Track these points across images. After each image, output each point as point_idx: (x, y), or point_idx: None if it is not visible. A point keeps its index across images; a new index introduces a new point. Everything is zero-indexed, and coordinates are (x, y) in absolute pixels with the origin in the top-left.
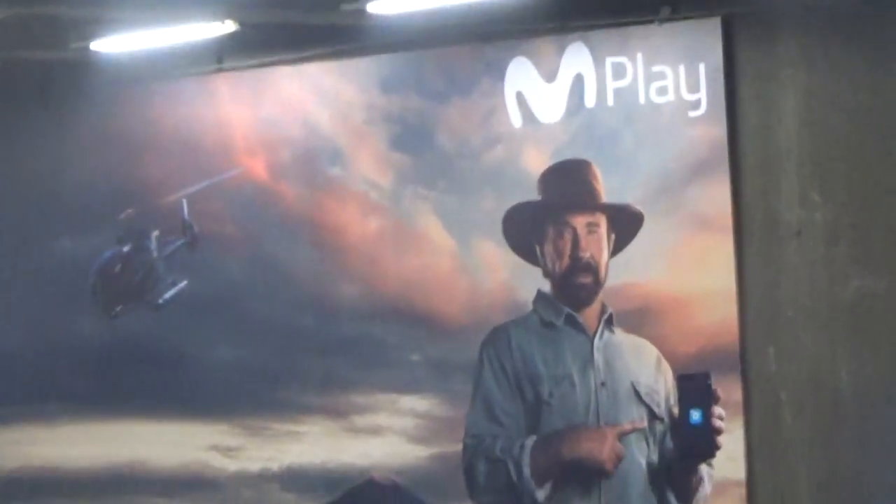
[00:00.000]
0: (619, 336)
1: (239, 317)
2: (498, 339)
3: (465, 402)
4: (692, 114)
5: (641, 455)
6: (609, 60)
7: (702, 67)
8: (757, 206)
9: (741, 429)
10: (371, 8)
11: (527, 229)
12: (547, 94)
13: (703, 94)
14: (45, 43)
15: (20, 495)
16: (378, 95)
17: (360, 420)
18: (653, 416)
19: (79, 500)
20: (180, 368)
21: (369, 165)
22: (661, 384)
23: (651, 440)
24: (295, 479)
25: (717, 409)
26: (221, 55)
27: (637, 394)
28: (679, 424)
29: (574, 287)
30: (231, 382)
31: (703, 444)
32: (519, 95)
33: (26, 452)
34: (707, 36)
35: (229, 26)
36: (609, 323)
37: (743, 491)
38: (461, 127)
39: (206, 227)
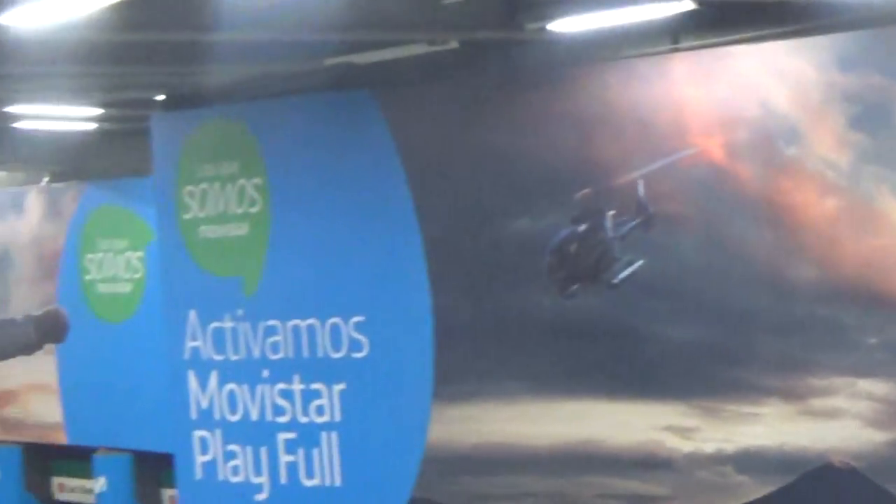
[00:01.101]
0: None
1: (694, 296)
2: None
3: None
4: None
5: None
6: None
7: None
8: None
9: None
10: None
11: None
12: None
13: None
14: (503, 24)
15: (474, 472)
16: (837, 74)
17: (817, 403)
18: None
19: (533, 477)
20: (636, 348)
21: (827, 145)
22: None
23: None
24: (750, 461)
25: None
26: (677, 34)
27: None
28: None
29: None
30: (687, 362)
31: None
32: None
33: (482, 429)
34: None
35: (686, 5)
36: None
37: None
38: None
39: (661, 207)
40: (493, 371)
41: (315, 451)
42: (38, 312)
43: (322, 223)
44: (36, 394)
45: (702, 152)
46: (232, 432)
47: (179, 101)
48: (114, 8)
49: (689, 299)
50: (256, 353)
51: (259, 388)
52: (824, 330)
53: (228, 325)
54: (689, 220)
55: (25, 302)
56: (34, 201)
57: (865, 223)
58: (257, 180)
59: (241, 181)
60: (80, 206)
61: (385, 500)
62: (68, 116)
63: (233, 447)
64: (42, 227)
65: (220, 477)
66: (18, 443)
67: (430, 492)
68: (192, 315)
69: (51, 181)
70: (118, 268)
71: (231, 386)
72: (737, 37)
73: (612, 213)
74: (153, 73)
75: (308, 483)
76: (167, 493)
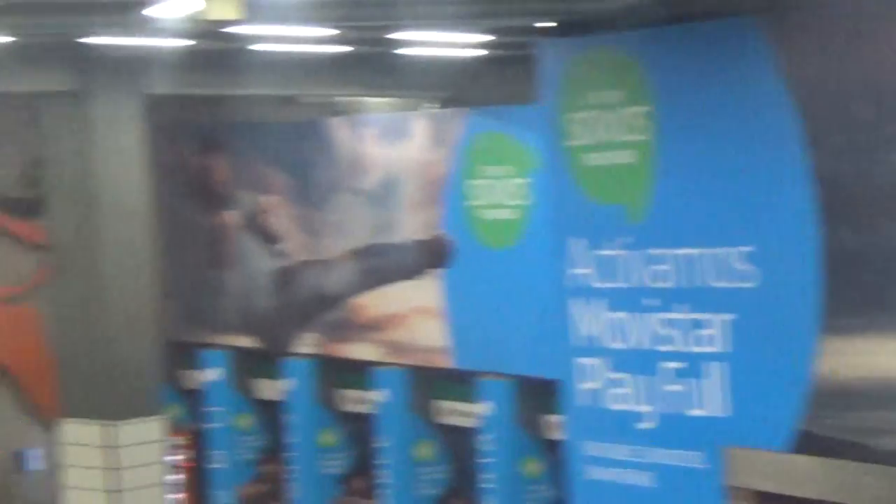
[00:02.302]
0: None
1: None
2: None
3: None
4: None
5: None
6: None
7: None
8: None
9: None
10: None
11: None
12: None
13: None
14: None
15: (863, 406)
16: None
17: None
18: None
19: None
20: None
21: None
22: None
23: None
24: None
25: None
26: None
27: None
28: None
29: None
30: None
31: None
32: None
33: (873, 363)
34: None
35: None
36: None
37: None
38: None
39: None
40: (886, 304)
41: (702, 382)
42: (423, 237)
43: (709, 152)
44: (422, 318)
45: None
46: (616, 360)
47: (566, 29)
48: None
49: None
50: (641, 280)
51: (644, 316)
52: None
53: (613, 252)
54: None
55: (410, 227)
56: (419, 127)
57: None
58: (644, 108)
59: (627, 109)
60: (464, 133)
61: (769, 432)
62: (455, 43)
63: (617, 375)
64: (427, 152)
65: (604, 404)
66: (404, 365)
67: (815, 425)
68: (577, 242)
69: (436, 107)
70: (502, 194)
71: (615, 314)
72: None
73: None
74: (542, 0)
75: (693, 413)
76: (548, 419)
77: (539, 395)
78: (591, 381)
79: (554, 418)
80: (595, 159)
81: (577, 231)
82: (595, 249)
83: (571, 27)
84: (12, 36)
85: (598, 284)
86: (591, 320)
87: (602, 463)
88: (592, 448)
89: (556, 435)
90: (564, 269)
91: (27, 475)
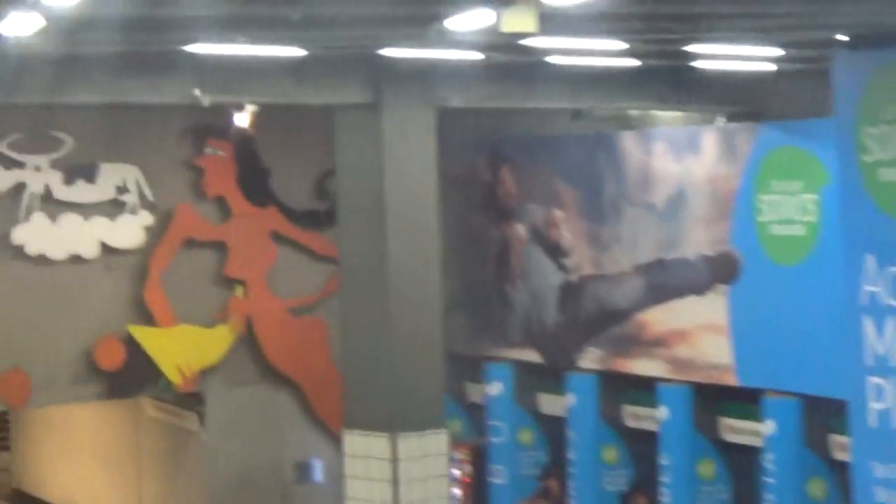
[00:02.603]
0: None
1: None
2: None
3: None
4: None
5: None
6: None
7: None
8: None
9: None
10: None
11: None
12: None
13: None
14: None
15: None
16: None
17: None
18: None
19: None
20: None
21: None
22: None
23: None
24: None
25: None
26: None
27: None
28: None
29: None
30: None
31: None
32: None
33: None
34: None
35: None
36: None
37: None
38: None
39: None
40: None
41: None
42: (711, 252)
43: None
44: (707, 334)
45: None
46: None
47: (864, 41)
48: None
49: None
50: None
51: None
52: None
53: None
54: None
55: (699, 241)
56: (710, 141)
57: None
58: None
59: None
60: (755, 146)
61: None
62: (748, 56)
63: None
64: (717, 166)
65: (895, 426)
66: (689, 382)
67: None
68: (870, 259)
69: (727, 121)
70: (793, 209)
71: None
72: None
73: None
74: (837, 12)
75: None
76: (836, 440)
77: (825, 414)
78: (882, 401)
79: (841, 438)
80: (891, 175)
81: (871, 247)
82: (889, 266)
83: (867, 40)
84: (310, 49)
85: (892, 302)
86: (883, 339)
87: (891, 485)
88: (881, 470)
89: (843, 455)
90: (857, 287)
91: (309, 486)
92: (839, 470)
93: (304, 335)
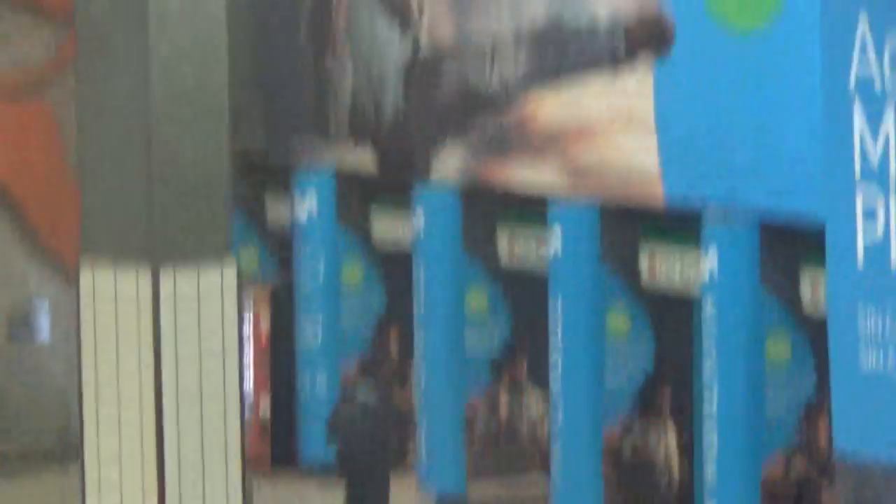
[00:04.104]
0: None
1: None
2: None
3: None
4: None
5: None
6: None
7: None
8: None
9: None
10: None
11: None
12: None
13: None
14: None
15: None
16: None
17: None
18: None
19: None
20: None
21: None
22: None
23: None
24: None
25: None
26: None
27: None
28: None
29: None
30: None
31: None
32: None
33: None
34: None
35: None
36: None
37: None
38: None
39: None
40: None
41: None
42: (630, 12)
43: None
44: (622, 131)
45: None
46: None
47: None
48: None
49: None
50: None
51: None
52: None
53: None
54: None
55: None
56: None
57: None
58: None
59: None
60: None
61: None
62: None
63: None
64: None
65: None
66: (594, 199)
67: None
68: (862, 22)
69: None
70: None
71: None
72: None
73: None
74: None
75: None
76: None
77: (792, 245)
78: (874, 228)
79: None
80: None
81: (862, 4)
82: (892, 32)
83: None
84: None
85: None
86: (878, 139)
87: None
88: (872, 320)
89: (815, 303)
90: (843, 65)
91: (29, 345)
92: (809, 323)
93: (21, 127)
